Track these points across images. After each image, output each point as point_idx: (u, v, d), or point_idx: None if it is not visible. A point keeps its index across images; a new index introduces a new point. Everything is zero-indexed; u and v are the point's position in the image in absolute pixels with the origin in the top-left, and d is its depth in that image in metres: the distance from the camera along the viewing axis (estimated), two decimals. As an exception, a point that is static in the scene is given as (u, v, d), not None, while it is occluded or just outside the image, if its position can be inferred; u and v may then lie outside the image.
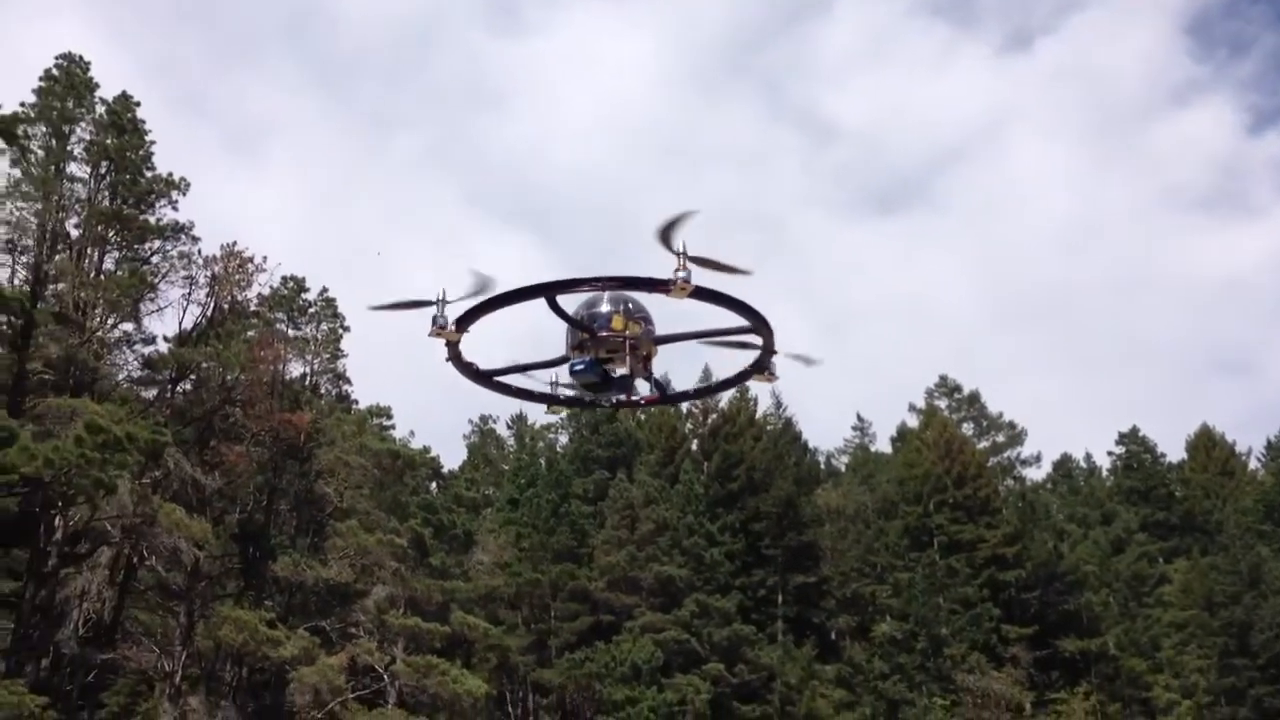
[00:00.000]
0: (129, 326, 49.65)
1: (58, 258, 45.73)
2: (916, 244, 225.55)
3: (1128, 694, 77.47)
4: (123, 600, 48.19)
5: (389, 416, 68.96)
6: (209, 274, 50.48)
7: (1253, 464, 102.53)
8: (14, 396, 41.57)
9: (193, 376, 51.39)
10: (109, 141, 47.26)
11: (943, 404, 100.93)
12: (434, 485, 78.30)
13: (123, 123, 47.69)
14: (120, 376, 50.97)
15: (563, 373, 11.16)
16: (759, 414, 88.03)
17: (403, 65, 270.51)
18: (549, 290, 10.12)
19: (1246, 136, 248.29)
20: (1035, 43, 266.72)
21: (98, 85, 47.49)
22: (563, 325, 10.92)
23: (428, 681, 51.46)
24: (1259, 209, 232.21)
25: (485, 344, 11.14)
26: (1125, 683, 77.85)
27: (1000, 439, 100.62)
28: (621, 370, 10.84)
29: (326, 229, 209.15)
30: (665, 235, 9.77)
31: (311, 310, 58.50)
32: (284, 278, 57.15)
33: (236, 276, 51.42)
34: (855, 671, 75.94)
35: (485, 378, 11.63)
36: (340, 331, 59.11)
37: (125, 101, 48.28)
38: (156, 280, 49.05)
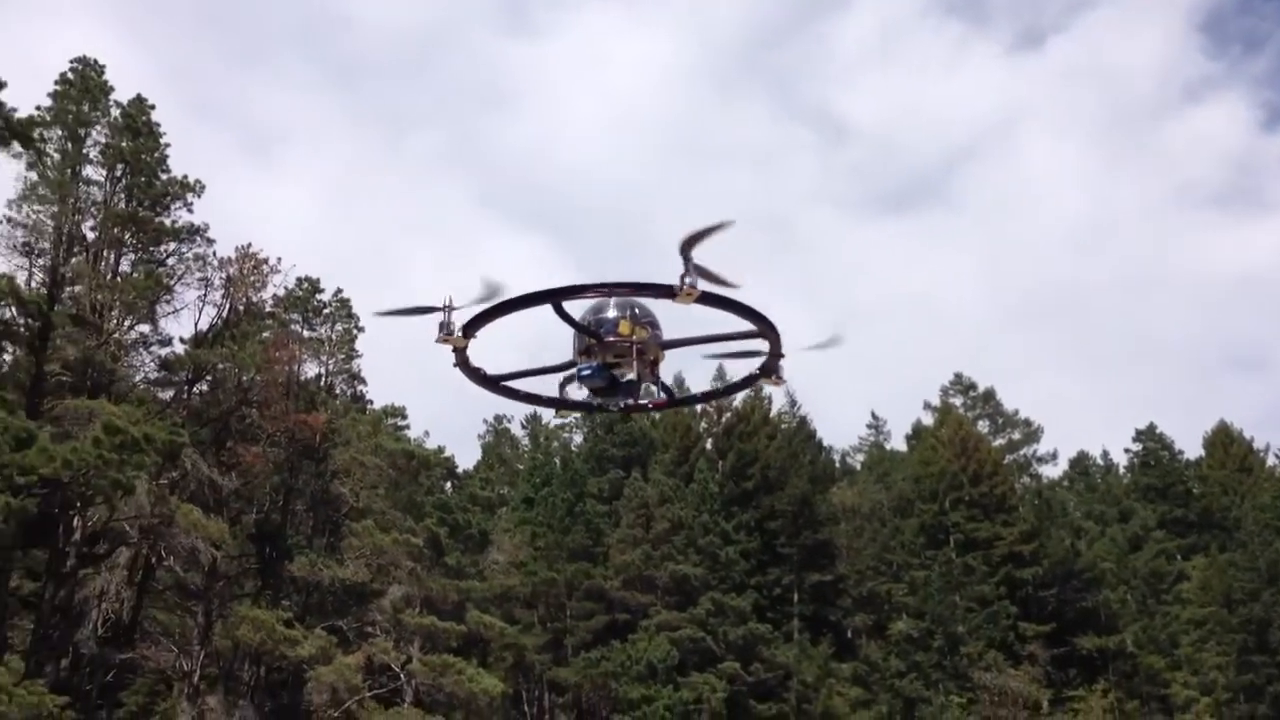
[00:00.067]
0: (145, 328, 49.98)
1: (74, 260, 46.00)
2: (929, 242, 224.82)
3: (1146, 691, 77.19)
4: (141, 600, 48.50)
5: (404, 417, 69.24)
6: (224, 275, 50.81)
7: (1270, 460, 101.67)
8: (32, 398, 41.83)
9: (209, 378, 51.66)
10: (124, 144, 47.46)
11: (958, 402, 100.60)
12: (449, 485, 78.42)
13: (138, 126, 47.93)
14: (137, 378, 51.24)
15: (571, 375, 11.18)
16: (773, 413, 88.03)
17: (416, 67, 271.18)
18: (555, 296, 10.15)
19: (1261, 133, 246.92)
20: (1047, 41, 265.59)
21: (113, 88, 47.72)
22: (570, 330, 10.95)
23: (444, 680, 51.61)
24: (1273, 205, 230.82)
25: (493, 349, 11.20)
26: (1143, 680, 77.57)
27: (1016, 436, 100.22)
28: (629, 375, 10.86)
29: (341, 230, 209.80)
30: (690, 244, 9.70)
31: (326, 311, 58.71)
32: (299, 279, 57.42)
33: (251, 278, 51.68)
34: (871, 670, 75.89)
35: (493, 383, 11.66)
36: (355, 332, 59.30)
37: (140, 104, 48.51)
38: (172, 282, 49.32)
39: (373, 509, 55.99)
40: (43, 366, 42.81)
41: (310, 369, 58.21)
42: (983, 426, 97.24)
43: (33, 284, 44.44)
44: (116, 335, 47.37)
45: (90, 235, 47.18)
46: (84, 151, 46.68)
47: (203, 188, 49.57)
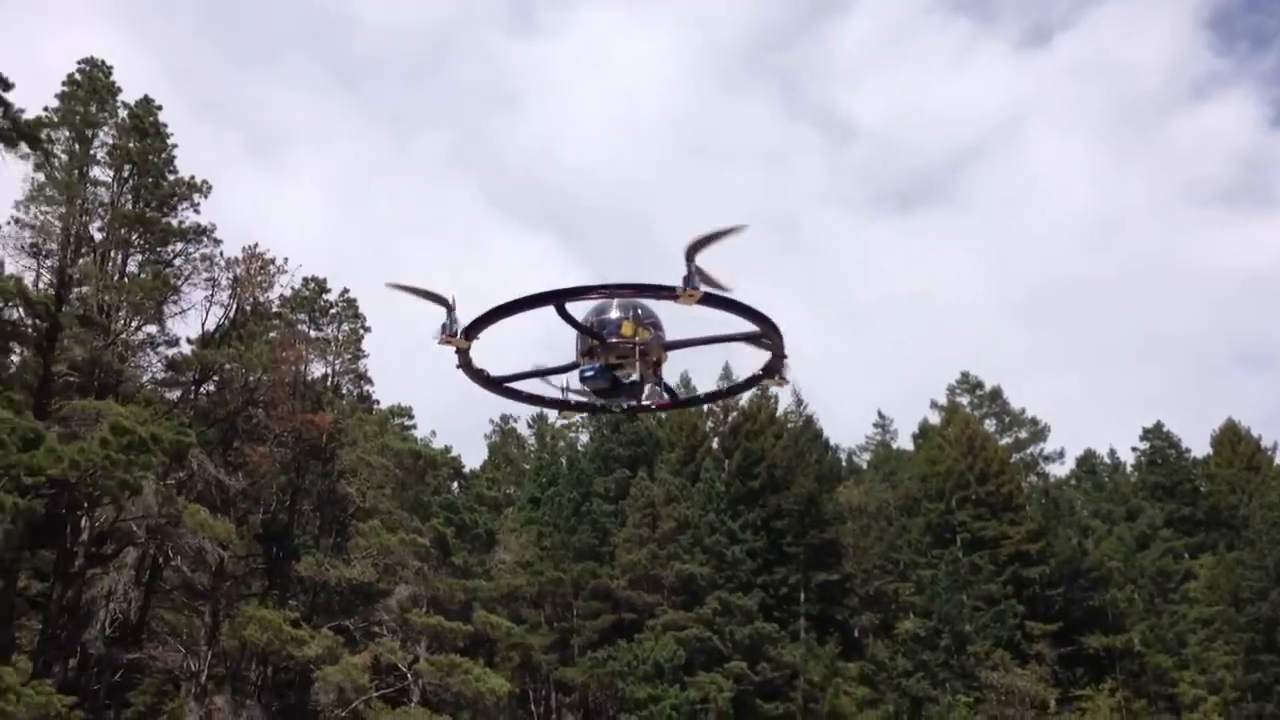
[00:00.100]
0: (152, 329, 50.02)
1: (82, 261, 46.09)
2: (935, 241, 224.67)
3: (1153, 690, 77.08)
4: (148, 600, 48.60)
5: (410, 416, 69.35)
6: (231, 276, 50.86)
7: (1278, 459, 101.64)
8: (40, 399, 41.94)
9: (216, 378, 51.74)
10: (131, 145, 47.56)
11: (964, 400, 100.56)
12: (455, 485, 78.60)
13: (145, 126, 48.03)
14: (144, 378, 51.29)
15: (573, 378, 11.17)
16: (779, 412, 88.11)
17: (422, 67, 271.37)
18: (557, 298, 10.14)
19: (1269, 130, 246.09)
20: (1054, 38, 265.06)
21: (120, 89, 47.82)
22: (573, 331, 10.95)
23: (451, 680, 51.69)
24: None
25: (496, 350, 11.21)
26: (1151, 679, 77.46)
27: (1023, 435, 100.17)
28: (632, 376, 10.86)
29: (347, 230, 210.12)
30: (699, 246, 9.68)
31: (333, 311, 58.88)
32: (305, 279, 57.61)
33: (258, 278, 51.77)
34: (878, 669, 75.89)
35: (496, 384, 11.67)
36: (361, 332, 59.49)
37: (147, 105, 48.62)
38: (179, 282, 49.37)
39: (379, 509, 56.12)
40: (50, 367, 42.90)
41: (317, 369, 58.44)
42: (989, 425, 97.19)
43: (40, 285, 44.57)
44: (124, 336, 47.47)
45: (97, 236, 47.31)
46: (91, 152, 46.77)
47: (210, 188, 49.71)
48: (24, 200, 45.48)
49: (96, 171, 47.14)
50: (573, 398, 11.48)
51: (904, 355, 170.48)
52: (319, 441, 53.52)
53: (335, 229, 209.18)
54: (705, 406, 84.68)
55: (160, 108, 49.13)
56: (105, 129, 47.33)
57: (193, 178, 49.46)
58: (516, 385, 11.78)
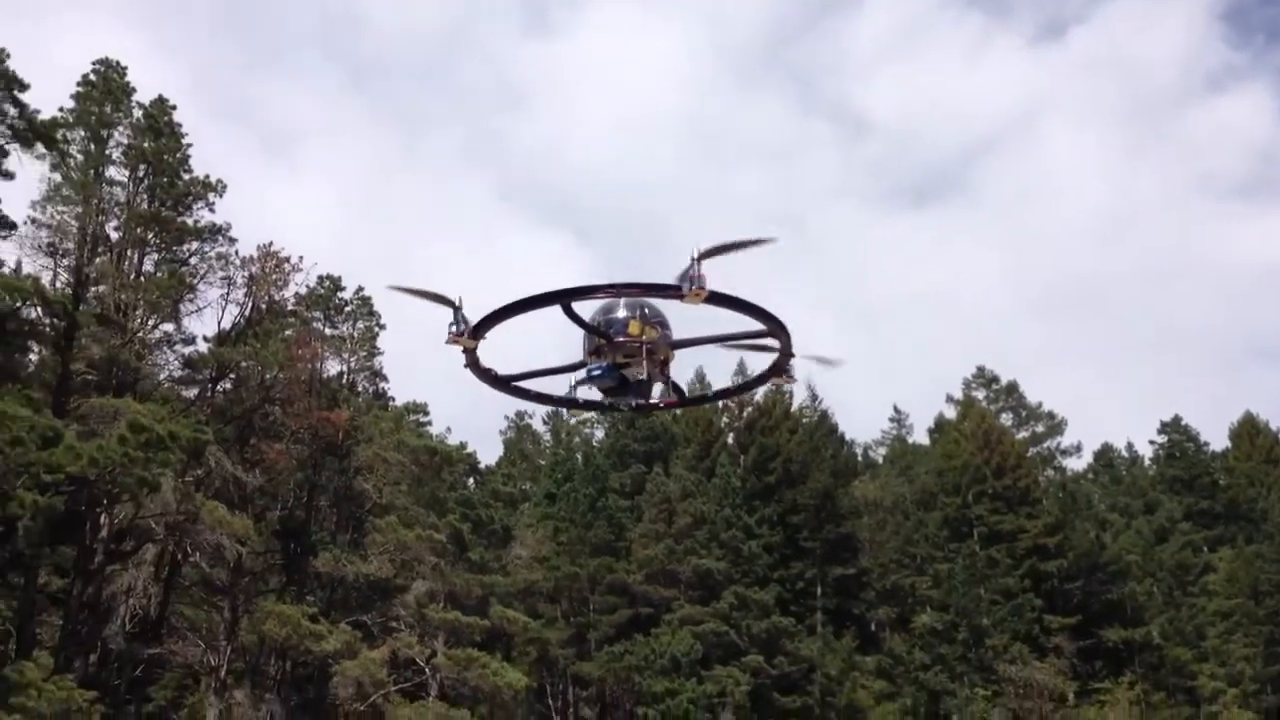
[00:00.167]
0: (169, 327, 50.38)
1: (98, 260, 46.39)
2: (950, 236, 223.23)
3: (1172, 683, 76.80)
4: (168, 596, 48.95)
5: (425, 413, 69.60)
6: (246, 274, 51.14)
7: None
8: (58, 397, 42.25)
9: (232, 375, 52.04)
10: (146, 145, 47.79)
11: (980, 395, 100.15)
12: (471, 481, 78.82)
13: (159, 126, 48.26)
14: (161, 376, 51.66)
15: (581, 377, 11.23)
16: (795, 407, 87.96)
17: (434, 67, 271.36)
18: (563, 297, 10.19)
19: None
20: (1068, 32, 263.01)
21: (135, 90, 48.04)
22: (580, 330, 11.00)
23: (468, 674, 51.94)
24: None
25: (504, 349, 11.28)
26: (1170, 672, 77.17)
27: (1040, 429, 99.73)
28: (639, 374, 10.90)
29: (361, 229, 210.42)
30: (715, 252, 9.71)
31: (348, 309, 59.16)
32: (320, 277, 57.94)
33: (273, 276, 52.01)
34: (896, 663, 75.83)
35: (504, 383, 11.74)
36: (376, 329, 59.74)
37: (162, 105, 48.83)
38: (195, 281, 49.64)
39: (396, 505, 56.37)
40: (68, 365, 43.19)
41: (332, 366, 58.77)
42: (1006, 419, 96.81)
43: (58, 284, 44.86)
44: (141, 334, 47.78)
45: (114, 235, 47.59)
46: (107, 152, 47.02)
47: (224, 187, 49.93)
48: (41, 200, 45.86)
49: (112, 171, 47.44)
50: (580, 396, 11.55)
51: (919, 350, 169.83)
52: (335, 438, 53.79)
53: (349, 227, 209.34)
54: (720, 403, 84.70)
55: (174, 108, 49.43)
56: (120, 129, 47.56)
57: (207, 177, 49.75)
58: (524, 384, 11.87)
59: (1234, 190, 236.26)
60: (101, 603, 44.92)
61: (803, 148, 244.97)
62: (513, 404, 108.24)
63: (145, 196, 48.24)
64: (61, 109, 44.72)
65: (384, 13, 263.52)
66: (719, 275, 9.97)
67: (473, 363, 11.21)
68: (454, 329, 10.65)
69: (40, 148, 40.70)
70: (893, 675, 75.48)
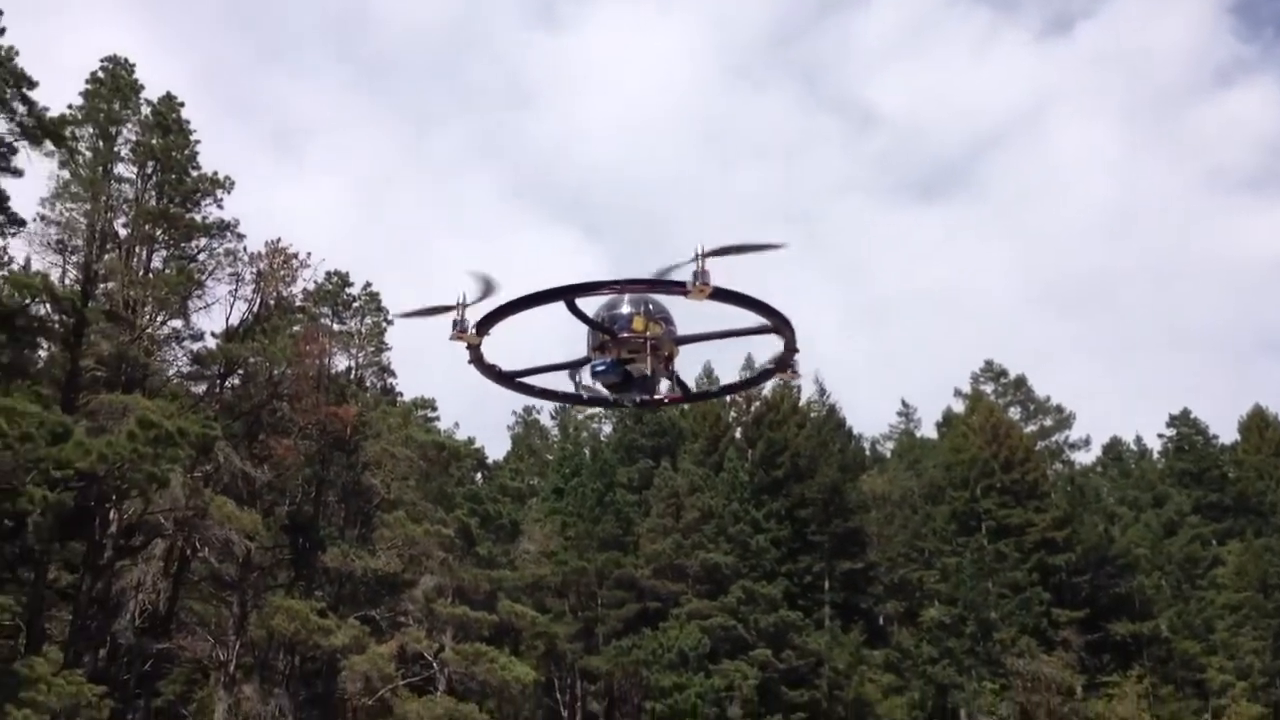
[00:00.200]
0: (178, 323, 50.39)
1: (107, 257, 46.47)
2: (957, 230, 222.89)
3: (1181, 676, 76.75)
4: (177, 591, 49.14)
5: (433, 408, 69.66)
6: (254, 270, 51.18)
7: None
8: (67, 393, 42.38)
9: (240, 371, 52.16)
10: (154, 142, 47.84)
11: (988, 389, 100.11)
12: (479, 476, 78.88)
13: (167, 123, 48.29)
14: (170, 372, 51.81)
15: (585, 373, 11.26)
16: (802, 401, 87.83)
17: (442, 63, 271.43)
18: (567, 294, 10.21)
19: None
20: (1075, 26, 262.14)
21: (143, 87, 48.00)
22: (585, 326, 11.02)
23: (476, 669, 52.06)
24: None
25: (508, 344, 11.31)
26: (1178, 665, 77.14)
27: (1048, 423, 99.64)
28: (643, 370, 10.91)
29: (369, 225, 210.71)
30: (724, 252, 9.74)
31: (355, 305, 59.19)
32: (328, 273, 57.86)
33: (281, 272, 52.13)
34: (904, 656, 75.82)
35: (508, 379, 11.78)
36: (384, 325, 59.74)
37: (170, 102, 48.84)
38: (204, 277, 49.67)
39: (404, 500, 56.50)
40: (77, 362, 43.32)
41: (340, 362, 58.86)
42: (1014, 413, 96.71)
43: (66, 281, 44.94)
44: (149, 330, 47.88)
45: (122, 232, 47.65)
46: (115, 149, 47.05)
47: (232, 184, 49.86)
48: (49, 197, 45.85)
49: (120, 168, 47.42)
50: (585, 392, 11.58)
51: (926, 344, 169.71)
52: (343, 434, 53.89)
53: (357, 223, 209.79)
54: (728, 397, 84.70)
55: (182, 105, 49.31)
56: (128, 126, 47.55)
57: (215, 173, 49.68)
58: (528, 380, 11.91)
59: (1243, 184, 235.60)
60: (111, 598, 45.11)
61: (809, 143, 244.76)
62: (521, 399, 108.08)
63: (154, 193, 48.29)
64: (70, 106, 44.75)
65: (392, 10, 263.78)
66: (723, 271, 10.01)
67: (477, 359, 11.26)
68: (458, 325, 10.71)
69: (49, 145, 40.79)
70: (900, 669, 75.48)
